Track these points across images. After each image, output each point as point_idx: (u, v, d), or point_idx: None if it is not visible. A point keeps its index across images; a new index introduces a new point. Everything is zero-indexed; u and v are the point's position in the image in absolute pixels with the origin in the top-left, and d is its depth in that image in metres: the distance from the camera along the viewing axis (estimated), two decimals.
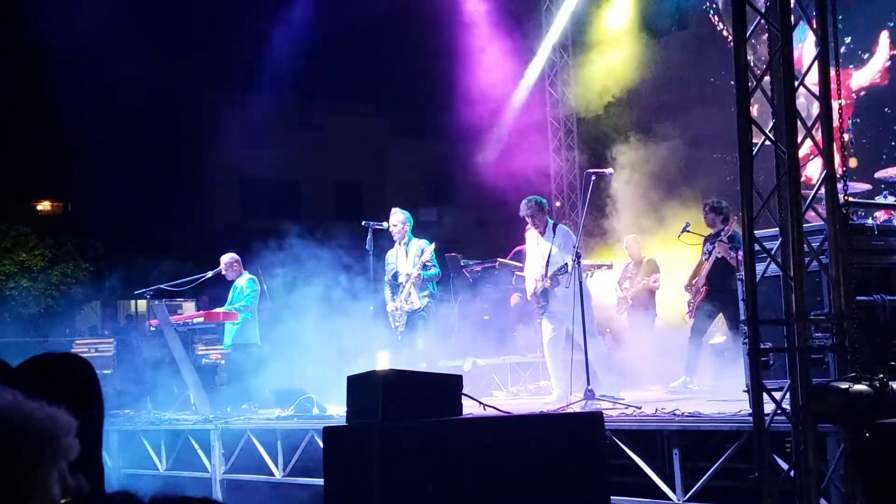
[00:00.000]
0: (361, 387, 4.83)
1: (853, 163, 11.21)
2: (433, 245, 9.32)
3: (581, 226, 8.63)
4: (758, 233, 5.04)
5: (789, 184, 4.94)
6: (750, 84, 5.01)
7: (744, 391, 5.56)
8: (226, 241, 12.91)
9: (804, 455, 4.71)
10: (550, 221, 8.81)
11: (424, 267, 9.13)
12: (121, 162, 20.50)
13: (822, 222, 5.14)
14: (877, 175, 8.62)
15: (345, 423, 5.01)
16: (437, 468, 4.41)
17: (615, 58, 14.62)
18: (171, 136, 24.11)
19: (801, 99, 5.45)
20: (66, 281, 21.68)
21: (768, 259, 5.03)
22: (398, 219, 9.40)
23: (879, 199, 7.88)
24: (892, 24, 11.92)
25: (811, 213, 5.45)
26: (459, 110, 15.17)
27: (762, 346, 4.94)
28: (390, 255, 9.44)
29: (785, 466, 4.88)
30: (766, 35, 5.23)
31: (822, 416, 4.63)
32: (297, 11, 17.87)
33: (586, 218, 9.29)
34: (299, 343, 11.04)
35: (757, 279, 4.94)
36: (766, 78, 5.09)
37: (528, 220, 8.68)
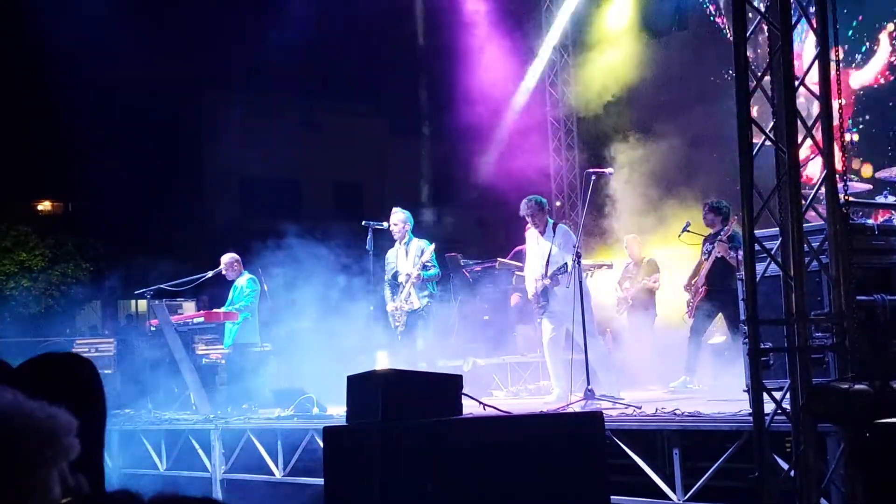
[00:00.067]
0: (361, 387, 4.83)
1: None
2: (433, 245, 9.31)
3: (581, 225, 8.64)
4: (758, 232, 5.04)
5: (789, 184, 4.94)
6: (750, 84, 5.01)
7: (744, 391, 5.56)
8: (226, 241, 12.91)
9: (804, 455, 4.71)
10: (550, 221, 8.81)
11: (424, 267, 9.13)
12: (121, 162, 20.49)
13: (823, 222, 5.14)
14: (877, 175, 8.63)
15: (345, 423, 5.01)
16: (437, 468, 4.41)
17: (615, 57, 14.62)
18: (171, 136, 24.11)
19: (801, 99, 5.45)
20: (66, 281, 21.69)
21: (768, 259, 5.03)
22: (399, 218, 9.40)
23: (879, 199, 7.89)
24: (893, 23, 11.91)
25: (811, 213, 5.45)
26: (459, 110, 15.16)
27: (762, 346, 4.94)
28: (390, 255, 9.44)
29: (785, 466, 4.88)
30: (767, 34, 5.23)
31: (822, 416, 4.63)
32: (296, 11, 17.87)
33: (586, 217, 9.30)
34: (299, 343, 11.05)
35: (757, 279, 4.94)
36: (767, 77, 5.09)
37: (528, 219, 8.68)
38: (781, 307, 4.98)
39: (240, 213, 26.03)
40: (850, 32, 11.90)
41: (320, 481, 5.83)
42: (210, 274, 10.79)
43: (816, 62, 5.08)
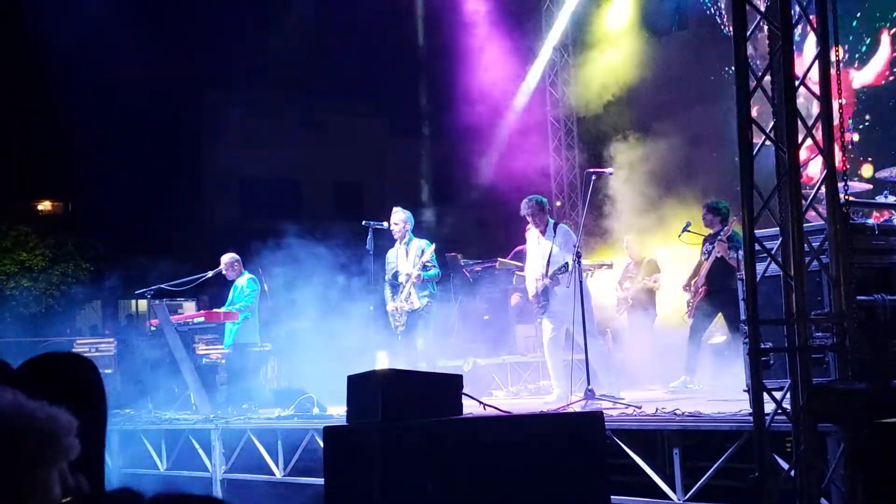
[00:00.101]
0: (361, 387, 4.83)
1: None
2: (433, 246, 9.32)
3: (581, 225, 8.64)
4: (758, 232, 5.04)
5: (789, 183, 4.94)
6: (750, 83, 5.01)
7: (744, 391, 5.56)
8: (226, 241, 12.91)
9: (804, 455, 4.71)
10: (551, 221, 8.81)
11: (424, 267, 9.13)
12: (121, 162, 20.50)
13: (823, 222, 5.14)
14: (877, 175, 8.62)
15: (345, 423, 5.01)
16: (437, 468, 4.41)
17: (615, 56, 14.62)
18: (171, 136, 24.12)
19: (801, 99, 5.45)
20: (66, 281, 21.70)
21: (769, 259, 5.03)
22: (399, 218, 9.40)
23: (879, 199, 7.88)
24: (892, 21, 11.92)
25: (811, 213, 5.45)
26: (459, 110, 15.17)
27: (762, 346, 4.94)
28: (391, 255, 9.44)
29: (785, 466, 4.88)
30: (767, 33, 5.23)
31: (822, 415, 4.63)
32: (297, 11, 17.89)
33: (586, 217, 9.30)
34: (299, 343, 11.06)
35: (757, 279, 4.94)
36: (767, 77, 5.09)
37: (529, 218, 8.67)
38: (781, 307, 4.98)
39: (240, 213, 26.04)
40: (851, 37, 11.90)
41: (320, 481, 5.83)
42: (210, 274, 10.79)
43: (816, 62, 5.09)
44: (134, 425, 9.53)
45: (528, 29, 15.79)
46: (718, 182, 11.84)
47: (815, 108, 5.19)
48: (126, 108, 20.75)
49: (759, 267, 5.00)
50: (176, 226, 23.82)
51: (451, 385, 4.89)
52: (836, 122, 5.13)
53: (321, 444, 5.77)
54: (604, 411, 5.74)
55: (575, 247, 7.89)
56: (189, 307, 13.04)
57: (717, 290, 8.75)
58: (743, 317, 5.25)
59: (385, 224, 9.43)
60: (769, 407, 4.85)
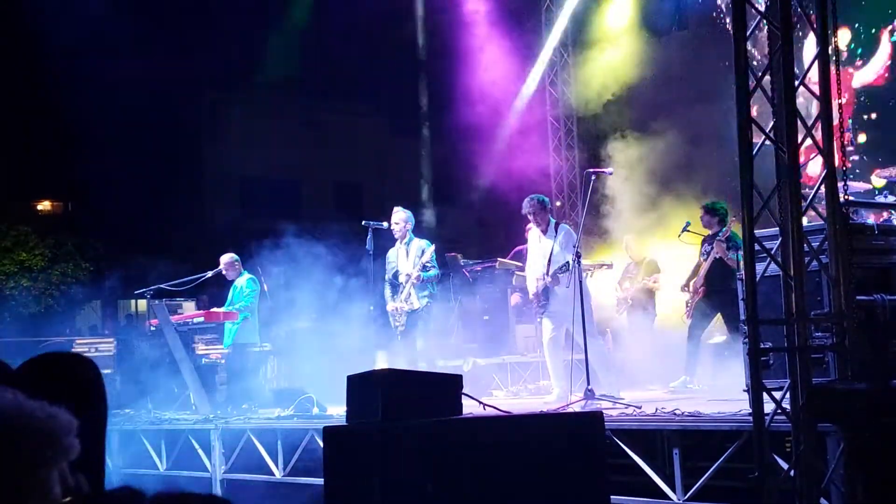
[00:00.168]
0: (361, 387, 4.83)
1: (878, 181, 11.16)
2: (433, 246, 9.33)
3: (581, 225, 8.64)
4: (758, 232, 5.04)
5: (789, 183, 4.94)
6: (750, 83, 5.01)
7: (744, 391, 5.56)
8: (225, 241, 12.92)
9: (804, 455, 4.71)
10: (553, 220, 8.81)
11: (424, 268, 9.14)
12: (121, 162, 20.50)
13: (822, 222, 5.14)
14: (877, 174, 8.62)
15: (345, 423, 5.01)
16: (437, 468, 4.41)
17: (615, 56, 14.62)
18: (171, 136, 24.11)
19: (801, 99, 5.45)
20: (66, 281, 21.69)
21: (768, 259, 5.03)
22: (400, 217, 9.40)
23: (879, 199, 7.88)
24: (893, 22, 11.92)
25: (811, 213, 5.45)
26: (459, 110, 15.17)
27: (762, 346, 4.94)
28: (391, 254, 9.45)
29: (785, 466, 4.88)
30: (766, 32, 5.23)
31: (822, 415, 4.63)
32: (297, 11, 17.89)
33: (586, 217, 9.30)
34: (299, 343, 11.06)
35: (757, 279, 4.94)
36: (767, 77, 5.09)
37: (531, 217, 8.68)
38: (781, 307, 4.99)
39: (240, 213, 26.02)
40: (851, 42, 11.89)
41: (320, 481, 5.83)
42: (210, 274, 10.79)
43: (816, 62, 5.09)
44: (133, 425, 9.53)
45: (528, 28, 15.79)
46: (718, 182, 11.83)
47: (815, 108, 5.19)
48: (126, 108, 20.74)
49: (759, 267, 5.00)
50: (176, 226, 23.81)
51: (450, 385, 4.89)
52: (835, 122, 5.13)
53: (321, 444, 5.77)
54: (603, 411, 5.74)
55: (574, 247, 7.89)
56: (189, 307, 13.04)
57: (715, 291, 8.76)
58: (743, 317, 5.26)
59: (385, 224, 9.43)
60: (769, 407, 4.85)
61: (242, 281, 10.72)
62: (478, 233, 20.75)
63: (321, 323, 11.18)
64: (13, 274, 20.96)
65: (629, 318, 10.60)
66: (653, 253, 10.84)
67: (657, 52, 14.51)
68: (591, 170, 8.45)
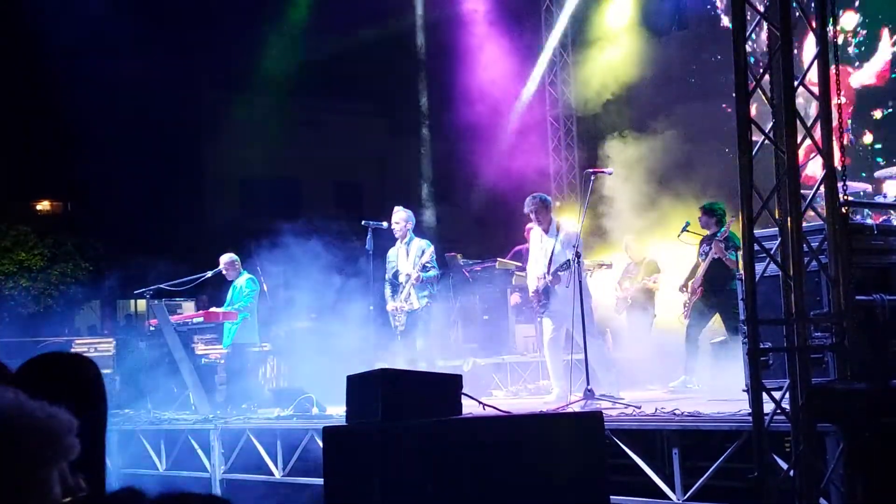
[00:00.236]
0: (361, 387, 4.83)
1: (892, 188, 11.11)
2: (433, 247, 9.34)
3: (581, 225, 8.63)
4: (757, 233, 5.04)
5: (789, 184, 4.94)
6: (749, 83, 5.01)
7: (743, 391, 5.56)
8: (225, 241, 12.90)
9: (804, 455, 4.71)
10: (554, 219, 8.81)
11: (424, 268, 9.15)
12: (120, 162, 20.47)
13: (822, 222, 5.14)
14: (876, 174, 8.62)
15: (345, 423, 5.01)
16: (437, 468, 4.41)
17: (615, 55, 14.63)
18: (171, 136, 24.09)
19: (800, 99, 5.45)
20: (65, 280, 21.67)
21: (767, 259, 5.03)
22: (401, 216, 9.41)
23: (879, 199, 7.88)
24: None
25: (810, 213, 5.45)
26: (459, 110, 15.17)
27: (762, 346, 4.94)
28: (391, 254, 9.46)
29: (784, 466, 4.89)
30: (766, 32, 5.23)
31: (821, 415, 4.64)
32: (296, 11, 17.89)
33: (585, 217, 9.29)
34: (299, 343, 11.05)
35: (756, 279, 4.94)
36: (766, 77, 5.09)
37: (533, 216, 8.67)
38: (781, 307, 4.99)
39: (240, 212, 26.00)
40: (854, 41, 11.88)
41: (320, 481, 5.83)
42: (209, 274, 10.79)
43: (816, 62, 5.09)
44: (133, 425, 9.54)
45: (528, 28, 15.79)
46: (717, 181, 11.84)
47: (814, 108, 5.19)
48: (126, 108, 20.73)
49: (759, 267, 5.00)
50: (175, 226, 23.78)
51: (450, 385, 4.89)
52: (834, 122, 5.14)
53: (320, 444, 5.77)
54: (603, 411, 5.74)
55: (574, 247, 7.89)
56: (188, 307, 13.05)
57: (714, 292, 8.77)
58: (742, 317, 5.26)
59: (385, 224, 9.44)
60: (768, 407, 4.85)
61: (242, 281, 10.72)
62: (477, 233, 20.74)
63: (321, 323, 11.19)
64: (12, 274, 20.94)
65: (629, 317, 10.61)
66: (652, 253, 10.84)
67: (657, 51, 14.51)
68: (591, 170, 8.45)
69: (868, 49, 12.08)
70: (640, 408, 6.39)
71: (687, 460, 5.62)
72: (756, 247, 4.99)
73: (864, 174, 10.33)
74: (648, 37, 14.60)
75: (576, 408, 6.92)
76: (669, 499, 5.58)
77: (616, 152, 13.35)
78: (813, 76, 5.11)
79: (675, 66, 14.61)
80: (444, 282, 10.77)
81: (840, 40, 10.30)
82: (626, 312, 10.63)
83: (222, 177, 26.51)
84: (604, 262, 9.84)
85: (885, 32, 11.92)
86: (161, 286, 10.83)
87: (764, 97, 5.11)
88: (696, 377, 8.79)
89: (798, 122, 5.00)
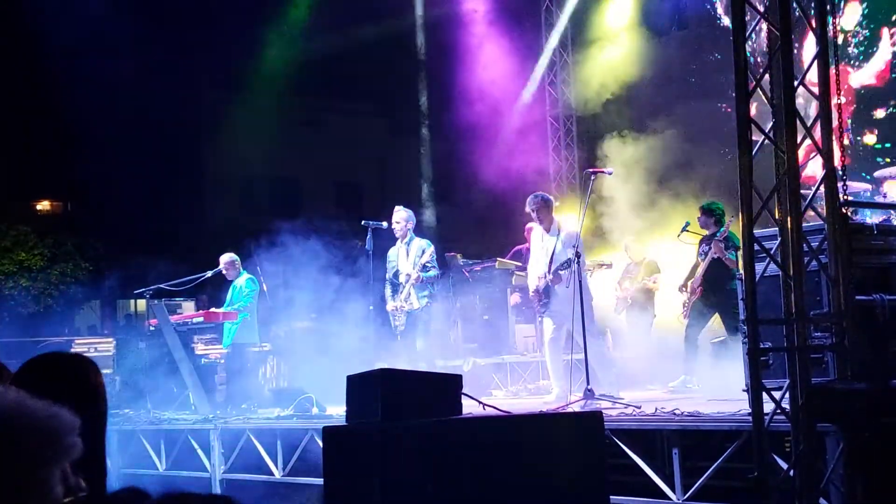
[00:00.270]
0: (361, 387, 4.83)
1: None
2: (433, 247, 9.34)
3: (581, 225, 8.63)
4: (757, 232, 5.04)
5: (789, 183, 4.94)
6: (749, 83, 5.02)
7: (743, 391, 5.57)
8: (225, 241, 12.90)
9: (803, 455, 4.71)
10: (556, 218, 8.81)
11: (424, 268, 9.15)
12: (121, 162, 20.47)
13: (822, 222, 5.14)
14: (876, 174, 8.63)
15: (345, 423, 5.01)
16: (437, 468, 4.41)
17: (614, 55, 14.63)
18: (171, 136, 24.09)
19: (800, 99, 5.45)
20: (65, 280, 21.66)
21: (767, 259, 5.03)
22: (401, 216, 9.41)
23: (879, 199, 7.89)
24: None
25: (810, 213, 5.46)
26: (459, 110, 15.16)
27: (762, 346, 4.94)
28: (391, 253, 9.46)
29: (784, 466, 4.89)
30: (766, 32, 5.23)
31: (821, 415, 4.64)
32: (296, 10, 17.89)
33: (585, 217, 9.29)
34: (299, 343, 11.05)
35: (756, 279, 4.94)
36: (766, 77, 5.09)
37: (534, 215, 8.68)
38: (780, 307, 4.99)
39: (240, 212, 25.99)
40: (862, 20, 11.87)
41: (320, 481, 5.83)
42: (209, 274, 10.80)
43: (816, 62, 5.09)
44: (133, 425, 9.53)
45: (528, 28, 15.79)
46: (717, 181, 11.84)
47: (814, 108, 5.20)
48: (126, 108, 20.72)
49: (759, 267, 5.00)
50: (175, 226, 23.79)
51: (450, 385, 4.89)
52: (834, 122, 5.14)
53: (320, 444, 5.77)
54: (603, 411, 5.74)
55: (574, 247, 7.90)
56: (188, 307, 13.05)
57: (713, 292, 8.77)
58: (742, 316, 5.26)
59: (384, 224, 9.44)
60: (768, 407, 4.85)
61: (242, 281, 10.72)
62: (477, 233, 20.74)
63: (320, 323, 11.18)
64: (12, 274, 20.93)
65: (628, 317, 10.61)
66: (652, 253, 10.85)
67: (657, 51, 14.51)
68: (591, 169, 8.45)
69: (868, 49, 12.08)
70: (640, 408, 6.39)
71: (687, 460, 5.62)
72: (756, 247, 4.99)
73: (864, 174, 10.34)
74: (648, 37, 14.60)
75: (576, 408, 6.92)
76: (669, 499, 5.58)
77: (616, 152, 13.34)
78: (813, 76, 5.12)
79: (675, 65, 14.60)
80: (443, 282, 10.76)
81: (840, 40, 10.33)
82: (625, 312, 10.63)
83: (222, 177, 26.50)
84: (604, 262, 9.86)
85: (885, 32, 11.92)
86: (161, 286, 10.83)
87: (764, 97, 5.12)
88: (696, 377, 8.79)
89: (798, 121, 5.00)
